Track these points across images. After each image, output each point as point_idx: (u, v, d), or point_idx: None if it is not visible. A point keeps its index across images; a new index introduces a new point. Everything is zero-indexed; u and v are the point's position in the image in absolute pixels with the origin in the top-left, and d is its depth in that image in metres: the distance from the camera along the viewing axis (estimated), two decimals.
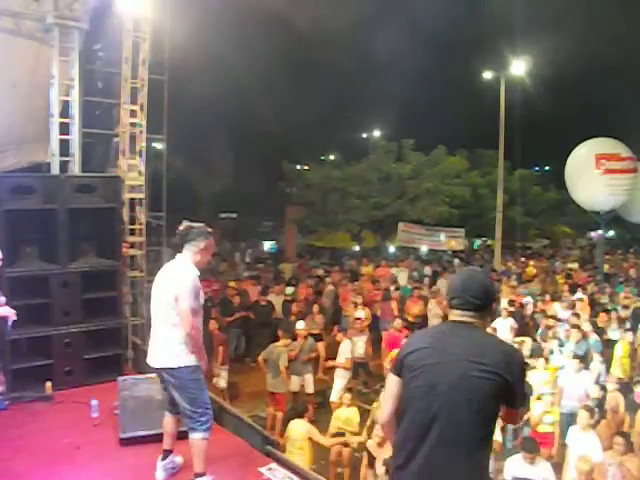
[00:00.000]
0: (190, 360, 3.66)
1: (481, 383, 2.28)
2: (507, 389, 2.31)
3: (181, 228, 3.77)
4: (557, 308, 11.04)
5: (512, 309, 10.63)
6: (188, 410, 3.66)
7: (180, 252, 3.79)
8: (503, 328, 9.58)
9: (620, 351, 8.65)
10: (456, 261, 20.02)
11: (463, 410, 2.29)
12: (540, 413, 6.63)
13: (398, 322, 9.70)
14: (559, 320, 10.01)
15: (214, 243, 3.90)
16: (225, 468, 3.86)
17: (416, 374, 2.42)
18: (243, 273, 16.76)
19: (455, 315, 2.49)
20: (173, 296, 3.60)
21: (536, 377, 7.30)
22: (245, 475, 4.05)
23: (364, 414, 7.17)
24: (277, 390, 8.03)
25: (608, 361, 8.60)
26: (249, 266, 18.92)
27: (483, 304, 2.47)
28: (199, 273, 3.73)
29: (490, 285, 2.59)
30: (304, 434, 5.95)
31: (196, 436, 3.65)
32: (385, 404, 2.64)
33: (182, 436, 3.96)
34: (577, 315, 9.87)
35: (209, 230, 3.82)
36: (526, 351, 8.27)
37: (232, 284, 12.39)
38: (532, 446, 5.33)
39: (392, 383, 2.56)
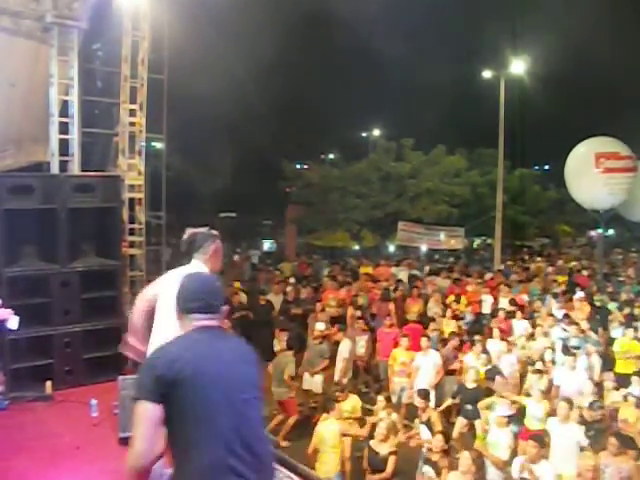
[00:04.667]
0: None
1: None
2: None
3: (185, 237, 3.47)
4: (553, 307, 11.01)
5: (515, 309, 10.56)
6: None
7: (188, 263, 3.43)
8: (522, 329, 9.54)
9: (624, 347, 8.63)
10: (451, 260, 19.99)
11: None
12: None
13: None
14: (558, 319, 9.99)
15: (221, 245, 3.57)
16: None
17: None
18: (247, 273, 16.66)
19: None
20: None
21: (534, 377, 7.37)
22: None
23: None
24: (283, 398, 7.86)
25: (608, 358, 8.60)
26: (253, 266, 18.76)
27: None
28: None
29: None
30: (337, 432, 5.97)
31: None
32: None
33: None
34: (568, 316, 9.83)
35: (214, 232, 3.54)
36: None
37: (237, 285, 12.34)
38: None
39: None
